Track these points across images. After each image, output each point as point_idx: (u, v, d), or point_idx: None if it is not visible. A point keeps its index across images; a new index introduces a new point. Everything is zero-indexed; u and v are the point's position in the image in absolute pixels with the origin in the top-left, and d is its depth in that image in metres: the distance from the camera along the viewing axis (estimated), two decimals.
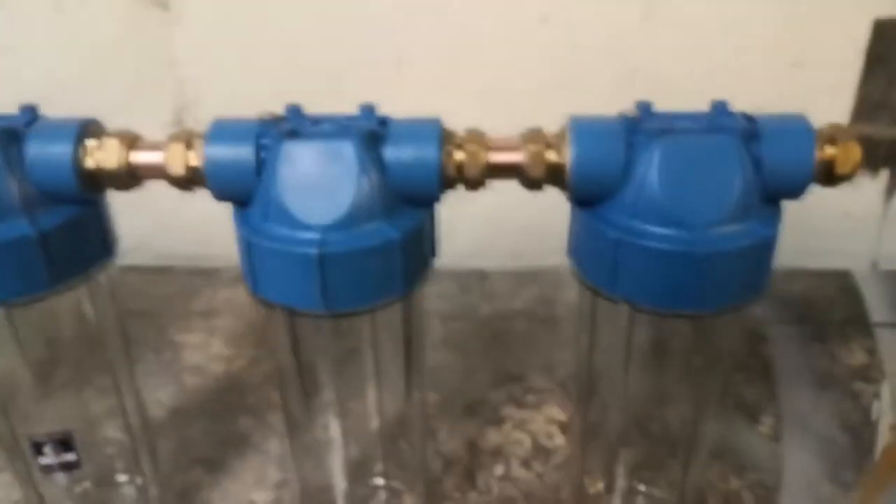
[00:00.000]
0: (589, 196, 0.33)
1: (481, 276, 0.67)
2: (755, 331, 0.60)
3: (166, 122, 0.63)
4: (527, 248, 0.67)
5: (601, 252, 0.33)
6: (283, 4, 0.61)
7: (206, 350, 0.59)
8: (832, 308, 0.63)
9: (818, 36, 0.60)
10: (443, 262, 0.68)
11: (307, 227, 0.32)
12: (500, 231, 0.68)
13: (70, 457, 0.39)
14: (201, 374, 0.57)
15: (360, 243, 0.32)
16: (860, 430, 0.51)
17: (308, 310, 0.33)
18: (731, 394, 0.54)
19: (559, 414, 0.53)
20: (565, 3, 0.60)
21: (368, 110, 0.34)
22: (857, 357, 0.57)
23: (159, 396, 0.54)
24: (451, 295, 0.65)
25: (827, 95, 0.62)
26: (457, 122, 0.35)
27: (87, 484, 0.45)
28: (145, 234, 0.69)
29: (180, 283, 0.66)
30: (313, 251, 0.31)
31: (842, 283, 0.66)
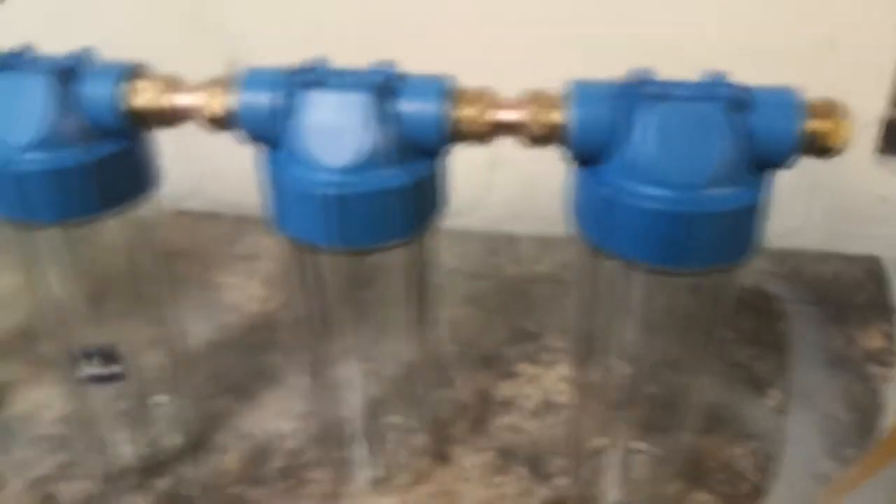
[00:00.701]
0: (587, 156, 0.35)
1: (511, 240, 0.70)
2: (775, 308, 0.61)
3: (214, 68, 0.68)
4: (559, 215, 0.69)
5: (596, 209, 0.35)
6: None
7: (244, 290, 0.63)
8: (856, 291, 0.63)
9: (852, 15, 0.60)
10: (475, 224, 0.71)
11: (324, 170, 0.35)
12: (533, 197, 0.70)
13: (115, 368, 0.43)
14: (238, 312, 0.61)
15: (371, 186, 0.35)
16: (867, 411, 0.52)
17: (324, 246, 0.37)
18: (741, 365, 0.56)
19: (570, 372, 0.55)
20: None
21: (388, 66, 0.37)
22: (875, 340, 0.58)
23: (199, 330, 0.58)
24: (479, 256, 0.68)
25: (866, 77, 0.62)
26: (472, 79, 0.37)
27: (129, 401, 0.50)
28: (198, 181, 0.73)
29: (227, 228, 0.70)
30: (328, 191, 0.34)
31: (870, 268, 0.66)
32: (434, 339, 0.46)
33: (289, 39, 0.65)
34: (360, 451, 0.47)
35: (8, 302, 0.60)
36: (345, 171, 0.35)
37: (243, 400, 0.53)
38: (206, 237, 0.70)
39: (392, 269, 0.42)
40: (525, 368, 0.55)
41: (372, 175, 0.35)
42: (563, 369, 0.55)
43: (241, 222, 0.71)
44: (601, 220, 0.36)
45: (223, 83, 0.36)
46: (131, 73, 0.37)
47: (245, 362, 0.56)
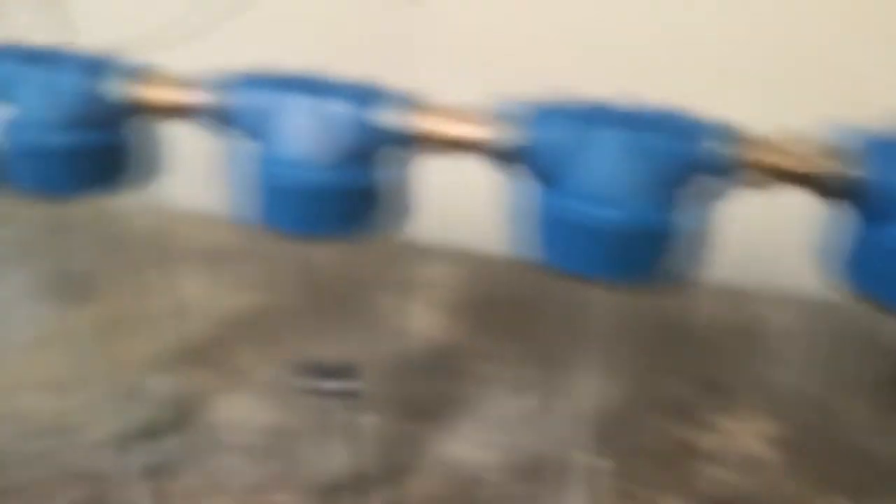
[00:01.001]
0: (881, 213, 0.34)
1: (703, 289, 0.69)
2: None
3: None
4: (753, 267, 0.68)
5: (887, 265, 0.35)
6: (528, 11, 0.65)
7: (430, 318, 0.64)
8: None
9: None
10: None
11: (603, 203, 0.35)
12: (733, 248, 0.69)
13: (354, 385, 0.44)
14: (428, 339, 0.61)
15: (641, 226, 0.35)
16: None
17: (598, 278, 0.37)
18: None
19: (772, 428, 0.54)
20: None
21: (667, 108, 0.37)
22: None
23: (390, 354, 0.59)
24: (664, 305, 0.67)
25: None
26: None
27: (331, 417, 0.50)
28: None
29: (417, 257, 0.71)
30: (601, 225, 0.35)
31: None
32: (639, 384, 0.45)
33: (477, 74, 0.66)
34: (568, 491, 0.46)
35: (202, 312, 0.62)
36: (622, 207, 0.35)
37: (438, 426, 0.53)
38: (400, 265, 0.70)
39: (633, 312, 0.41)
40: (725, 422, 0.54)
41: (656, 217, 0.35)
42: (765, 425, 0.54)
43: (429, 251, 0.71)
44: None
45: (504, 116, 0.37)
46: (406, 101, 0.38)
47: (434, 388, 0.56)
